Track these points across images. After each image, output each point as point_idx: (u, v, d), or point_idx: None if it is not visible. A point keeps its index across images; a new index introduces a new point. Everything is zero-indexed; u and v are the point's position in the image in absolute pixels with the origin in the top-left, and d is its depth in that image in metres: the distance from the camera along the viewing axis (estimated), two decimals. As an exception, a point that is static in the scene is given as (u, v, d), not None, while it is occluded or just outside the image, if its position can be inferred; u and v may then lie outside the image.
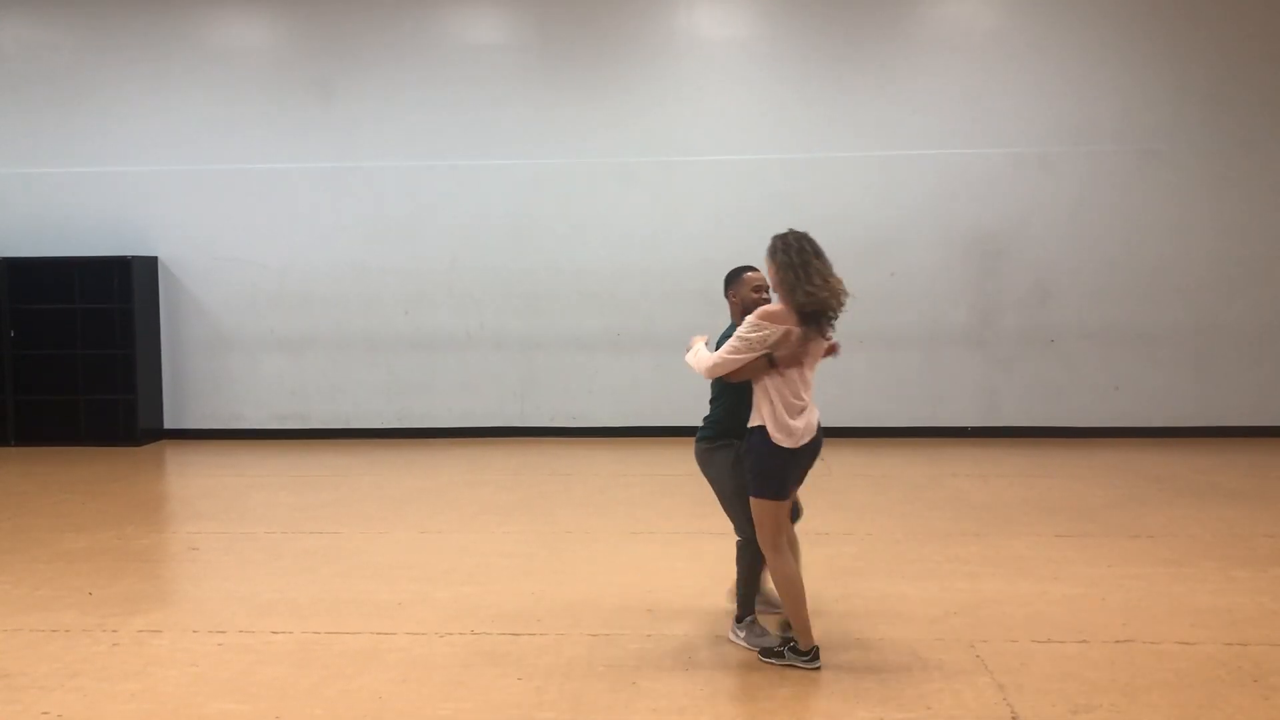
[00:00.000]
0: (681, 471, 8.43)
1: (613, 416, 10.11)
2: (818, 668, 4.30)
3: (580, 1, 9.92)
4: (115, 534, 6.68)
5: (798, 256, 4.25)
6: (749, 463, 4.35)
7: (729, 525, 6.67)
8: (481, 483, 8.18)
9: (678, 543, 6.33)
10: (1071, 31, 9.66)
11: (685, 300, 9.91)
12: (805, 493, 7.60)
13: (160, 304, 10.32)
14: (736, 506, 4.55)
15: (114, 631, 4.87)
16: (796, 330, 4.23)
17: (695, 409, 10.00)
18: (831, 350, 4.61)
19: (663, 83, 9.91)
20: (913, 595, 5.26)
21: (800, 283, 4.21)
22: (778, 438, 4.25)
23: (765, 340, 4.24)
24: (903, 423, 9.91)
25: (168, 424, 10.38)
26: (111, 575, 5.77)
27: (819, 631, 4.49)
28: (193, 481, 8.69)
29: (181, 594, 5.68)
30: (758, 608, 4.74)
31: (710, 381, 4.56)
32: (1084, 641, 4.58)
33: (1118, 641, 4.58)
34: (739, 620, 4.66)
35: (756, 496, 4.32)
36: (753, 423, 4.34)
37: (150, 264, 10.21)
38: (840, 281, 4.28)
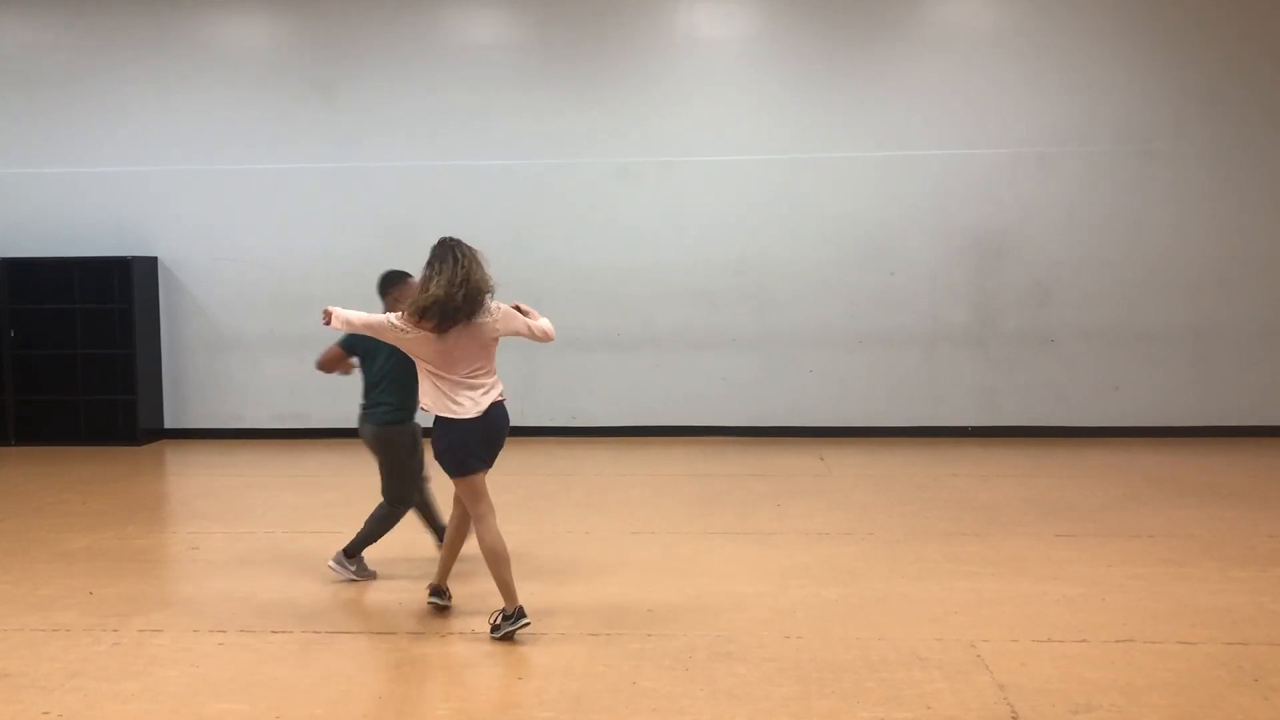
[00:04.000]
0: (682, 471, 8.44)
1: (613, 416, 10.10)
2: (528, 623, 4.68)
3: (580, 2, 9.91)
4: (115, 534, 6.68)
5: (437, 263, 4.61)
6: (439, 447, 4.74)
7: (728, 525, 6.71)
8: (481, 483, 8.17)
9: (678, 543, 6.33)
10: (1071, 32, 9.65)
11: (685, 300, 9.91)
12: (805, 492, 7.63)
13: (160, 304, 10.32)
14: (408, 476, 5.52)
15: (114, 631, 4.87)
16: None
17: (695, 408, 10.04)
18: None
19: (663, 83, 9.91)
20: (913, 595, 5.26)
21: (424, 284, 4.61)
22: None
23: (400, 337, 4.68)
24: (903, 423, 9.91)
25: (168, 424, 10.37)
26: (111, 575, 5.77)
27: (829, 629, 4.48)
28: (193, 481, 8.69)
29: (181, 594, 5.68)
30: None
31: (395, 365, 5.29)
32: (1084, 641, 4.58)
33: (1118, 641, 4.58)
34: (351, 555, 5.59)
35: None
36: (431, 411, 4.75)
37: (150, 264, 10.21)
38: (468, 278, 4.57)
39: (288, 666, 4.44)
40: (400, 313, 4.69)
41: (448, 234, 4.71)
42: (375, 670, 4.40)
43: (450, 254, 4.59)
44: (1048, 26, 9.67)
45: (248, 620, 5.00)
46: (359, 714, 3.96)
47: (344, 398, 10.50)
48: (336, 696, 4.12)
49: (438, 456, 4.71)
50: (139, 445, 9.97)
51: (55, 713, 4.00)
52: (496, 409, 4.74)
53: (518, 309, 4.87)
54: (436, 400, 4.68)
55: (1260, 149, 9.57)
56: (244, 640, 4.74)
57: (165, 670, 4.40)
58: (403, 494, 5.58)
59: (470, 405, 4.66)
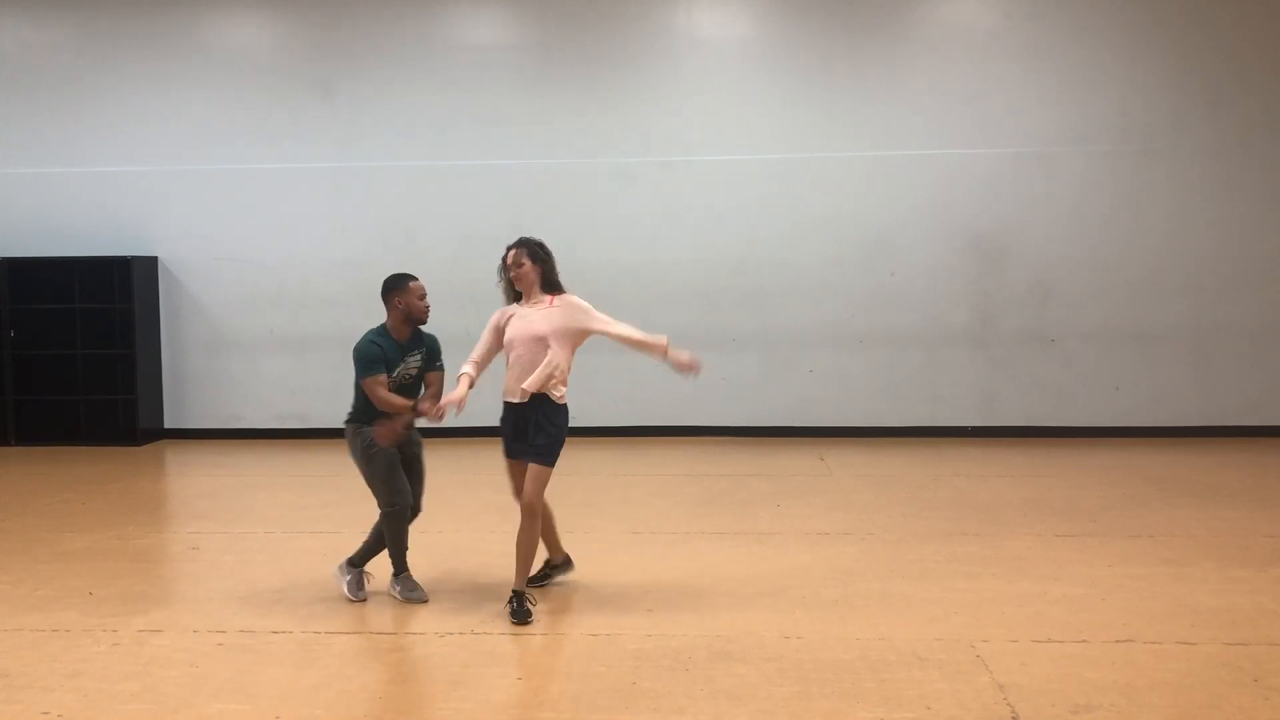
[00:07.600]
0: (682, 471, 8.44)
1: (613, 416, 10.10)
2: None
3: (580, 2, 9.92)
4: (115, 534, 6.68)
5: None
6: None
7: (728, 525, 6.71)
8: (481, 483, 8.17)
9: (678, 543, 6.33)
10: (1071, 32, 9.65)
11: (685, 300, 9.91)
12: (805, 492, 7.64)
13: (160, 304, 10.32)
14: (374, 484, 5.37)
15: (114, 631, 4.87)
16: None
17: (695, 408, 10.04)
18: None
19: (663, 83, 9.91)
20: (913, 595, 5.26)
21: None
22: None
23: None
24: (903, 423, 9.91)
25: (168, 424, 10.37)
26: (111, 575, 5.77)
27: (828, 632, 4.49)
28: (193, 481, 8.69)
29: (181, 594, 5.68)
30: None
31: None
32: (1084, 641, 4.58)
33: (1118, 641, 4.58)
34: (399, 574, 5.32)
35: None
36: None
37: (150, 264, 10.21)
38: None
39: (288, 666, 4.44)
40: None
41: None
42: (375, 670, 4.40)
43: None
44: (1047, 26, 9.67)
45: (248, 620, 5.00)
46: (359, 714, 3.96)
47: (343, 398, 10.49)
48: (336, 696, 4.12)
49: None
50: (139, 445, 9.97)
51: (55, 713, 4.00)
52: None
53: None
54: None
55: (1260, 149, 9.57)
56: (244, 640, 4.74)
57: (165, 670, 4.40)
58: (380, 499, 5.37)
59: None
